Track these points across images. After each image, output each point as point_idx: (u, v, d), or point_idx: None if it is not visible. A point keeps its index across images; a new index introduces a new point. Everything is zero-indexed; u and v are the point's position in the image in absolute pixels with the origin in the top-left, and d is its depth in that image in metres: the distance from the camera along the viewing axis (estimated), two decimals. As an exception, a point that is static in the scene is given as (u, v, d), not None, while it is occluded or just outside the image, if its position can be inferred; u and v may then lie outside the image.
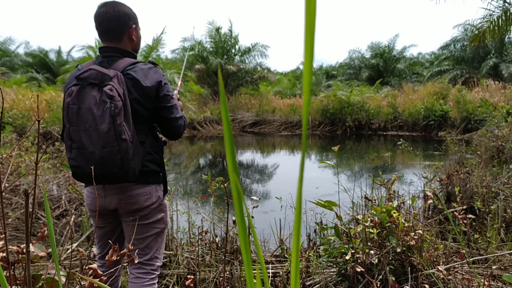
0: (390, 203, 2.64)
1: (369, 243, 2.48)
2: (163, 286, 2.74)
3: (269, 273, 2.80)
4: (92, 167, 1.50)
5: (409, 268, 2.40)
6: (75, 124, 1.63)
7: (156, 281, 1.92)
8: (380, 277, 2.35)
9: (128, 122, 1.67)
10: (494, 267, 2.60)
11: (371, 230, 2.43)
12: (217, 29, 19.17)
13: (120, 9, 1.80)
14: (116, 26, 1.79)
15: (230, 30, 19.36)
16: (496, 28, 7.23)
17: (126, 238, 1.94)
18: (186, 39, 19.23)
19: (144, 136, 1.80)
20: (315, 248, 3.06)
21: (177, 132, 1.90)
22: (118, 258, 1.24)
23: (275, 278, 2.77)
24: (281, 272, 2.75)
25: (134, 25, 1.86)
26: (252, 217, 3.18)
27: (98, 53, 1.85)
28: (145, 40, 17.07)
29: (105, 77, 1.65)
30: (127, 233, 1.90)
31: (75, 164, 1.65)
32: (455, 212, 2.93)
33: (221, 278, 2.67)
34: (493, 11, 7.28)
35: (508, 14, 6.97)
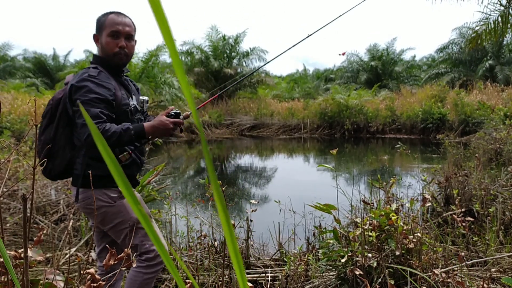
0: (389, 206, 2.64)
1: (367, 246, 2.48)
2: (161, 290, 2.73)
3: (268, 277, 2.79)
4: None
5: (408, 271, 2.40)
6: None
7: (153, 269, 1.95)
8: (379, 280, 2.35)
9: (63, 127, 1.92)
10: (493, 269, 2.60)
11: (370, 233, 2.42)
12: (224, 37, 19.34)
13: None
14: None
15: (238, 36, 19.48)
16: (492, 31, 7.26)
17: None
18: (185, 43, 19.29)
19: (77, 140, 1.91)
20: (314, 251, 3.05)
21: (83, 139, 1.79)
22: (115, 262, 1.23)
23: (274, 282, 2.77)
24: (280, 276, 2.74)
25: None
26: (251, 220, 3.18)
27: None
28: (147, 46, 17.24)
29: None
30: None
31: None
32: (453, 215, 2.93)
33: (220, 282, 2.66)
34: (490, 15, 7.32)
35: (504, 17, 7.00)
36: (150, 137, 1.91)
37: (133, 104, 2.00)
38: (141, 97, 2.08)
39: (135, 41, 2.01)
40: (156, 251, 1.94)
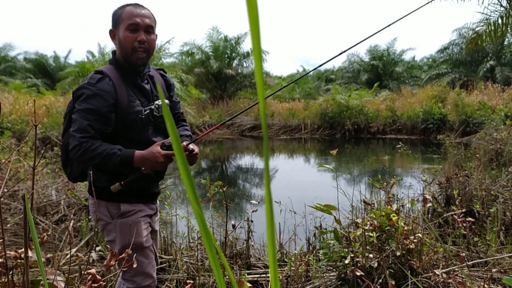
0: (390, 207, 2.64)
1: (368, 247, 2.48)
2: (162, 291, 2.73)
3: (268, 277, 2.79)
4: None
5: (409, 271, 2.40)
6: None
7: None
8: (380, 280, 2.35)
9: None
10: (494, 270, 2.60)
11: (370, 234, 2.42)
12: (225, 38, 19.36)
13: None
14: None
15: (239, 37, 19.48)
16: (492, 32, 7.26)
17: None
18: (186, 43, 19.31)
19: None
20: (314, 252, 3.05)
21: (69, 150, 1.68)
22: (116, 263, 1.23)
23: (275, 283, 2.76)
24: (280, 276, 2.74)
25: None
26: (252, 221, 3.18)
27: None
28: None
29: None
30: None
31: None
32: (454, 215, 2.92)
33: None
34: (490, 16, 7.31)
35: (505, 18, 7.00)
36: (143, 168, 1.70)
37: (147, 110, 1.79)
38: (156, 102, 1.83)
39: (156, 35, 1.81)
40: (137, 283, 1.81)
